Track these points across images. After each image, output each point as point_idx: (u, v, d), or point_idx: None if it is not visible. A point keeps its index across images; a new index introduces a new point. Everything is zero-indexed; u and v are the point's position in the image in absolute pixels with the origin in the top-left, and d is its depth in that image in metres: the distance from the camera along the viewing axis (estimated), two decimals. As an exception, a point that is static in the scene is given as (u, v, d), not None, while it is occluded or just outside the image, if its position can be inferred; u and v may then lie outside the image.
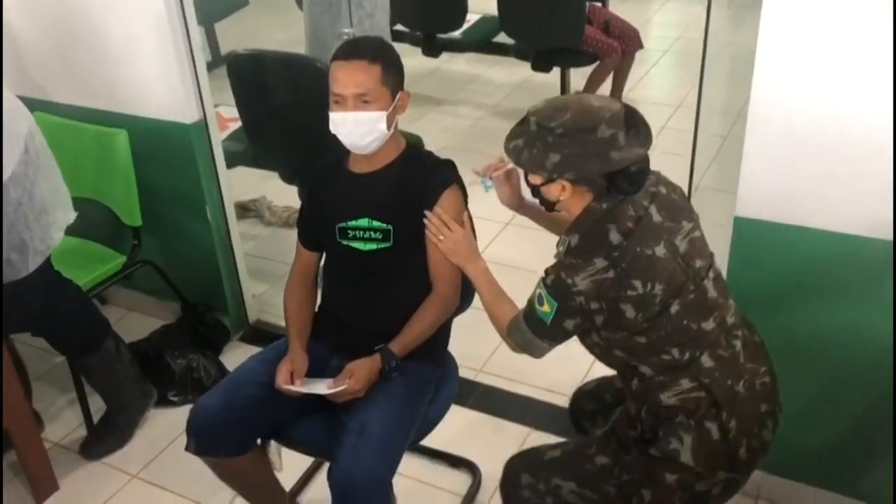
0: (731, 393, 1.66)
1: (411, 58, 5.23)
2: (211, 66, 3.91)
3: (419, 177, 2.00)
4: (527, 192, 1.80)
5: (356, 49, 1.91)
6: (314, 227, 2.12)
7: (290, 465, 2.33)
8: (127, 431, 2.69)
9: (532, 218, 1.99)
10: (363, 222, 2.01)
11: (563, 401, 2.71)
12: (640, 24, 4.65)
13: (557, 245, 1.71)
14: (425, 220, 1.97)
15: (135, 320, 3.23)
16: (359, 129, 1.91)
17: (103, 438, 2.66)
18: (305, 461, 2.45)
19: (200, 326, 3.00)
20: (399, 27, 4.85)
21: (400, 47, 4.88)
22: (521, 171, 1.76)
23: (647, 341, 1.63)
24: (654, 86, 5.36)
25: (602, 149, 1.57)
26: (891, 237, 1.86)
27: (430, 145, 2.58)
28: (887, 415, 2.03)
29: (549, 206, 1.70)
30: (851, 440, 2.18)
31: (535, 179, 1.68)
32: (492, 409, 2.77)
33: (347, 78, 1.88)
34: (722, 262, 2.11)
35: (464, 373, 2.79)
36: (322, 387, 1.96)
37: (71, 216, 2.39)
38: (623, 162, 1.58)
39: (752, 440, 1.68)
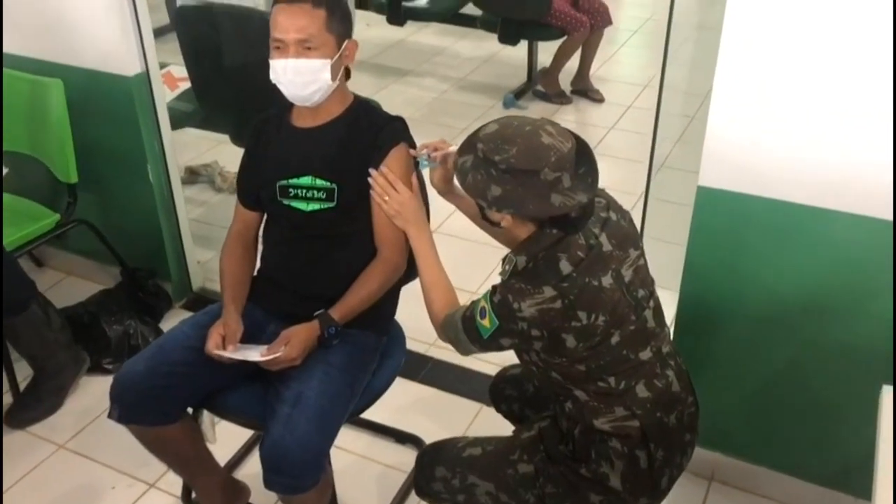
0: (660, 425, 1.66)
1: (377, 28, 5.12)
2: (168, 29, 3.77)
3: (366, 133, 1.88)
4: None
5: (299, -9, 1.78)
6: (254, 184, 1.99)
7: (226, 437, 2.22)
8: (56, 399, 2.55)
9: (459, 208, 1.89)
10: (305, 180, 1.89)
11: (515, 377, 2.64)
12: (610, 5, 4.57)
13: (503, 262, 1.66)
14: (370, 179, 1.85)
15: (73, 284, 3.08)
16: (301, 77, 1.79)
17: (30, 406, 2.52)
18: (243, 434, 2.34)
19: (140, 292, 2.86)
20: (364, -7, 4.73)
21: (366, 15, 4.86)
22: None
23: (586, 369, 1.60)
24: (622, 64, 5.29)
25: (544, 191, 1.51)
26: (849, 209, 1.81)
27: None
28: (847, 395, 1.98)
29: (493, 224, 1.64)
30: (806, 420, 2.13)
31: (479, 204, 1.61)
32: (442, 384, 2.68)
33: (289, 22, 1.76)
34: (683, 240, 2.06)
35: (415, 346, 2.71)
36: (255, 354, 1.84)
37: None
38: (563, 208, 1.52)
39: (674, 469, 1.71)
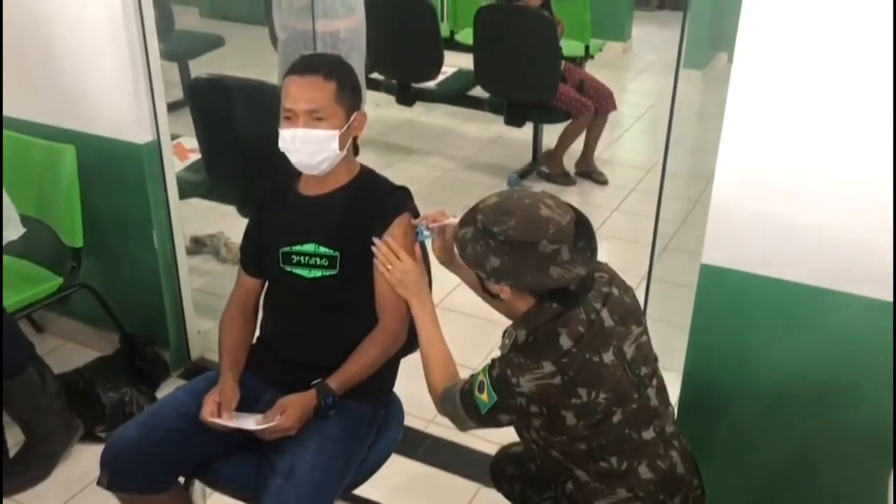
0: None
1: (386, 108, 5.22)
2: (182, 104, 3.85)
3: (371, 202, 1.90)
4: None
5: (311, 64, 1.83)
6: (257, 251, 1.99)
7: (217, 510, 2.17)
8: (45, 466, 2.49)
9: (462, 278, 1.89)
10: (309, 247, 1.90)
11: (515, 457, 2.59)
12: (616, 92, 4.67)
13: (503, 336, 1.66)
14: (373, 248, 1.85)
15: (72, 351, 3.05)
16: (309, 146, 1.81)
17: (18, 473, 2.46)
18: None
19: (138, 359, 2.83)
20: (375, 75, 4.83)
21: (375, 95, 4.96)
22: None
23: (587, 448, 1.58)
24: (626, 148, 5.36)
25: (542, 263, 1.52)
26: (852, 290, 1.80)
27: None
28: (855, 480, 1.93)
29: (493, 296, 1.65)
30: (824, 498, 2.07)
31: (480, 273, 1.61)
32: (440, 462, 2.62)
33: (299, 93, 1.79)
34: (686, 322, 2.05)
35: (413, 422, 2.67)
36: (251, 422, 1.81)
37: (12, 233, 2.27)
38: (561, 280, 1.52)
39: None
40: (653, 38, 7.22)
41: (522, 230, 1.51)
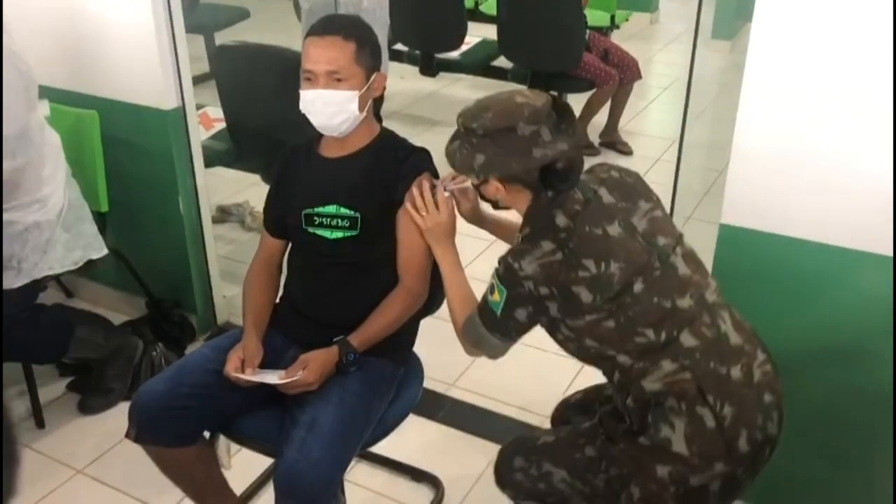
0: (718, 377, 1.54)
1: (410, 80, 5.22)
2: (208, 76, 3.88)
3: (391, 163, 1.91)
4: (487, 206, 1.80)
5: (330, 25, 1.84)
6: (280, 212, 2.02)
7: (243, 467, 2.22)
8: (120, 383, 2.66)
9: (492, 232, 1.94)
10: (331, 209, 1.92)
11: (536, 420, 2.62)
12: (643, 62, 4.64)
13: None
14: (413, 188, 1.86)
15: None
16: (329, 108, 1.83)
17: (103, 394, 2.66)
18: (260, 465, 2.33)
19: (164, 323, 2.89)
20: (399, 46, 4.83)
21: (400, 67, 4.96)
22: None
23: (616, 325, 1.55)
24: (651, 119, 5.32)
25: (524, 146, 1.55)
26: (873, 249, 1.80)
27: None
28: (877, 441, 1.93)
29: (495, 204, 1.70)
30: (835, 467, 2.07)
31: (473, 180, 1.68)
32: (461, 424, 2.65)
33: (319, 54, 1.81)
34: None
35: (435, 386, 2.71)
36: (274, 377, 1.85)
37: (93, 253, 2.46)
38: (545, 158, 1.55)
39: (755, 431, 1.55)
40: (681, 9, 7.12)
41: (499, 118, 1.57)
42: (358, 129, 1.90)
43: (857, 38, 1.67)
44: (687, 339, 1.55)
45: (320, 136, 1.96)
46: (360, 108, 1.85)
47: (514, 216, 1.75)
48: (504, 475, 1.82)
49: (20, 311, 2.35)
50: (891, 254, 1.78)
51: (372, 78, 1.86)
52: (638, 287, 1.54)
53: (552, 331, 1.66)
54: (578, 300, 1.53)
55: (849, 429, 2.00)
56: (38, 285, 2.40)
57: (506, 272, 1.57)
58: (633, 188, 1.65)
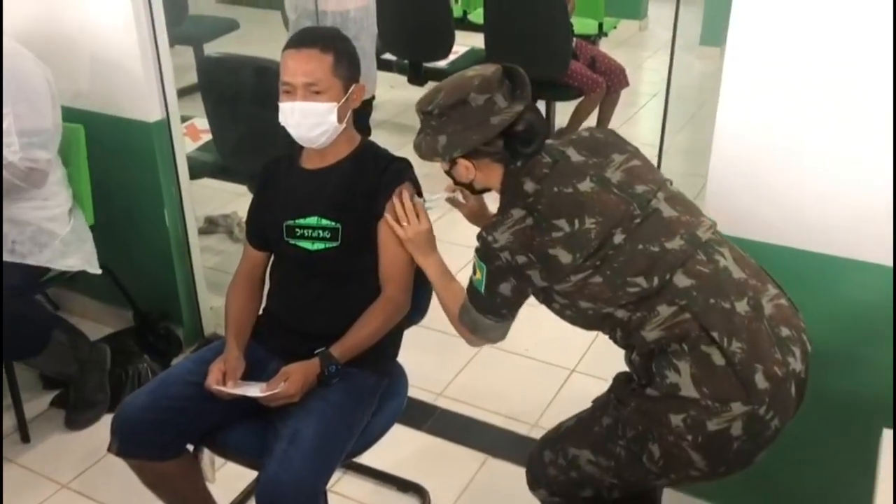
0: (720, 311, 1.46)
1: (400, 89, 5.22)
2: (197, 88, 3.88)
3: (371, 174, 1.92)
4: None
5: (307, 37, 1.85)
6: (261, 224, 2.02)
7: (228, 480, 2.21)
8: (102, 396, 2.68)
9: None
10: (311, 220, 1.93)
11: (524, 429, 2.62)
12: (632, 70, 4.64)
13: None
14: (394, 199, 1.87)
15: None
16: (308, 120, 1.84)
17: (82, 411, 2.66)
18: (244, 478, 2.32)
19: (151, 335, 2.88)
20: (387, 56, 4.84)
21: (389, 77, 4.97)
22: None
23: (604, 279, 1.51)
24: (640, 126, 5.33)
25: (480, 117, 1.57)
26: (857, 256, 1.80)
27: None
28: (848, 445, 1.94)
29: (473, 189, 1.70)
30: (804, 471, 2.08)
31: (444, 167, 1.68)
32: (448, 434, 2.64)
33: (297, 66, 1.81)
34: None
35: (422, 395, 2.71)
36: (255, 390, 1.85)
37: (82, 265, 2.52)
38: (504, 123, 1.56)
39: (773, 366, 1.45)
40: (670, 16, 7.14)
41: (450, 93, 1.59)
42: (338, 141, 1.91)
43: (836, 41, 1.67)
44: (681, 280, 1.48)
45: (302, 147, 1.96)
46: (339, 120, 1.86)
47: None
48: (536, 472, 1.76)
49: (13, 289, 2.36)
50: (875, 261, 1.78)
51: (350, 89, 1.87)
52: (618, 238, 1.51)
53: (548, 302, 1.64)
54: (558, 262, 1.52)
55: (824, 429, 1.99)
56: (39, 272, 2.48)
57: (482, 247, 1.58)
58: (604, 143, 1.64)
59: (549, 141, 1.65)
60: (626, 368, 1.64)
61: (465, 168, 1.64)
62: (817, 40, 1.68)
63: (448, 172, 1.70)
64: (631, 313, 1.52)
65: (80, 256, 2.52)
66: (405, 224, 1.86)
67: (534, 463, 1.78)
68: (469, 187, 1.72)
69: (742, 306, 1.48)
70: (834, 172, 1.76)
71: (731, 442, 1.46)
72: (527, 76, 1.63)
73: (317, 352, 1.88)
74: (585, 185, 1.55)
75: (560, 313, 1.65)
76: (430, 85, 5.01)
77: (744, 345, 1.44)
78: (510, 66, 1.62)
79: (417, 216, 1.86)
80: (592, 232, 1.51)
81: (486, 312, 1.66)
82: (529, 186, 1.56)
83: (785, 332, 1.50)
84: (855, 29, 1.64)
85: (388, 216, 1.88)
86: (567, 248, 1.51)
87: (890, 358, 1.82)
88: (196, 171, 3.06)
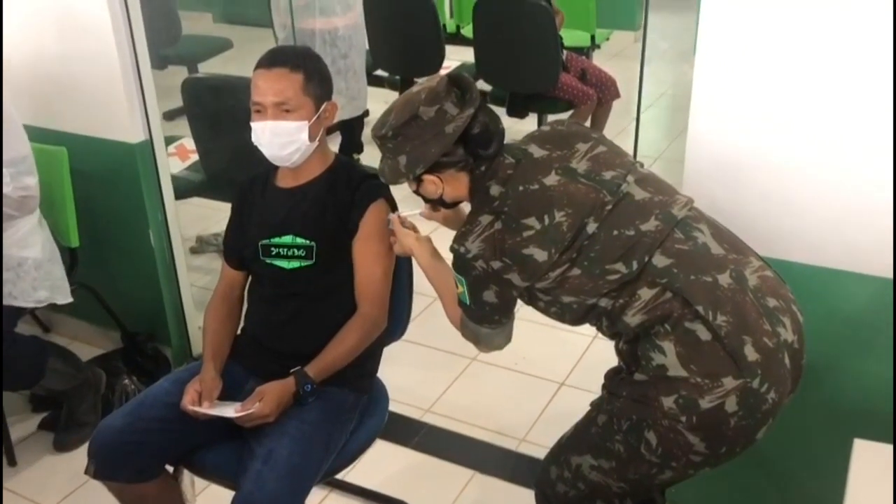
0: (702, 285, 1.44)
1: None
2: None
3: (345, 191, 1.92)
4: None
5: (278, 57, 1.86)
6: (237, 243, 2.03)
7: (209, 502, 2.20)
8: (93, 416, 2.65)
9: None
10: (287, 239, 1.93)
11: (511, 444, 2.61)
12: (625, 81, 4.64)
13: None
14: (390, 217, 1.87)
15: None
16: (279, 139, 1.84)
17: (73, 432, 2.64)
18: (226, 499, 2.31)
19: (139, 356, 2.88)
20: (379, 72, 4.85)
21: (382, 93, 4.98)
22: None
23: (582, 270, 1.51)
24: (634, 137, 5.32)
25: (434, 129, 1.56)
26: (837, 266, 1.79)
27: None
28: (820, 453, 1.92)
29: (445, 203, 1.69)
30: (775, 478, 2.06)
31: (412, 187, 1.67)
32: (435, 450, 2.63)
33: (267, 86, 1.82)
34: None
35: (409, 412, 2.70)
36: (230, 410, 1.84)
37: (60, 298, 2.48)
38: (458, 129, 1.56)
39: (763, 337, 1.42)
40: (665, 27, 7.15)
41: (401, 112, 1.59)
42: (311, 159, 1.91)
43: (804, 49, 1.66)
44: (660, 260, 1.47)
45: (276, 167, 1.96)
46: (311, 138, 1.86)
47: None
48: (547, 492, 1.73)
49: None
50: (856, 270, 1.76)
51: (322, 107, 1.87)
52: (592, 227, 1.50)
53: (532, 302, 1.63)
54: (534, 261, 1.51)
55: (796, 437, 1.97)
56: (17, 312, 2.43)
57: (456, 259, 1.57)
58: (567, 134, 1.63)
59: (511, 142, 1.65)
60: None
61: (432, 184, 1.64)
62: (786, 49, 1.68)
63: (417, 192, 1.69)
64: (614, 300, 1.51)
65: (50, 284, 2.47)
66: (403, 239, 1.84)
67: (542, 483, 1.75)
68: (441, 202, 1.71)
69: (725, 279, 1.46)
70: (809, 182, 1.75)
71: (728, 419, 1.43)
72: (472, 80, 1.63)
73: (292, 371, 1.87)
74: (551, 179, 1.54)
75: (545, 311, 1.64)
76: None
77: (729, 317, 1.42)
78: (455, 73, 1.63)
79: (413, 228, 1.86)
80: (564, 225, 1.50)
81: (480, 322, 1.66)
82: (495, 190, 1.56)
83: (772, 302, 1.48)
84: (826, 37, 1.63)
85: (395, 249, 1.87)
86: (541, 246, 1.50)
87: (865, 367, 1.80)
88: (183, 191, 3.07)
